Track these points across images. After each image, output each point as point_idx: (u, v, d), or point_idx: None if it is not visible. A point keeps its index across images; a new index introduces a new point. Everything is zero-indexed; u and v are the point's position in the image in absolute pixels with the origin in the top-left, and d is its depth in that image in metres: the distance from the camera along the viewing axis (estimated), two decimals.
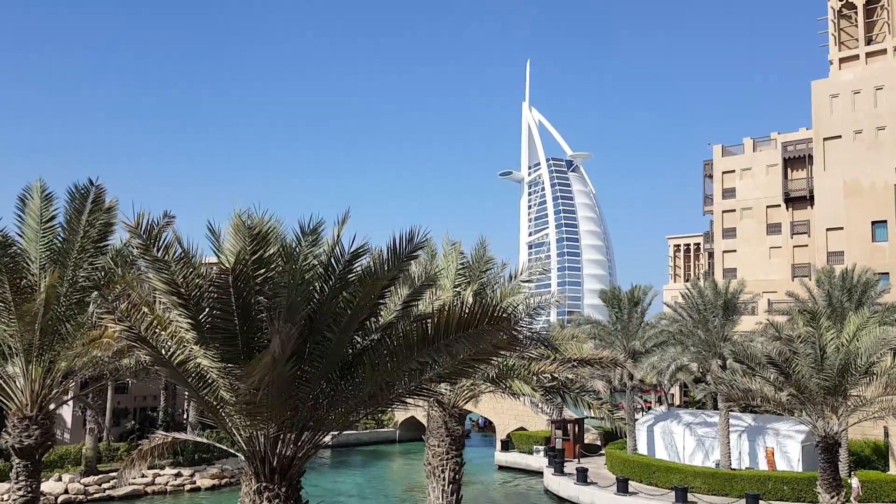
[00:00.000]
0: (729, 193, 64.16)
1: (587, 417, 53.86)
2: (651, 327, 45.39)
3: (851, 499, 31.97)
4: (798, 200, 60.27)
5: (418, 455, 56.43)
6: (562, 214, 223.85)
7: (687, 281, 69.21)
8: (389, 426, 63.08)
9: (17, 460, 12.73)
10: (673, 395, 64.33)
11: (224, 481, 43.34)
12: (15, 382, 12.63)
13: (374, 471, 52.08)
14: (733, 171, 64.24)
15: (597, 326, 47.29)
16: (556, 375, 14.47)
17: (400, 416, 60.69)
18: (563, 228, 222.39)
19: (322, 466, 49.85)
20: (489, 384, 15.02)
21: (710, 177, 66.17)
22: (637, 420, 46.86)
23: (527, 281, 16.28)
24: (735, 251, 63.23)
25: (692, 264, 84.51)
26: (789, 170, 61.10)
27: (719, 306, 40.15)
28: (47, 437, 12.85)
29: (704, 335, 40.15)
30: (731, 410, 39.40)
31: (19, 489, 12.68)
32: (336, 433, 10.29)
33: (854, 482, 32.51)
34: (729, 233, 63.87)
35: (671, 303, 50.05)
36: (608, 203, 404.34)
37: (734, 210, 63.64)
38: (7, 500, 12.80)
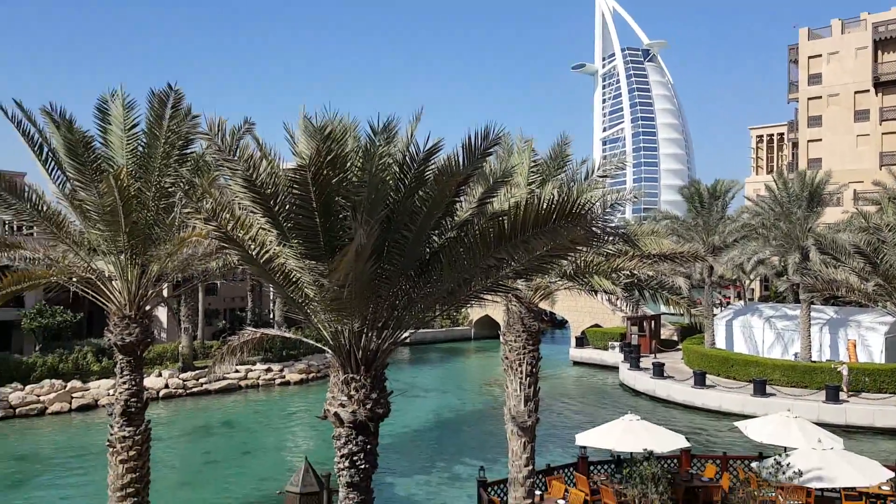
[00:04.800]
0: (815, 79, 60.42)
1: (664, 314, 53.72)
2: (732, 221, 44.20)
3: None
4: (888, 85, 56.39)
5: (493, 352, 57.83)
6: (638, 107, 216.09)
7: (770, 173, 66.63)
8: (464, 324, 64.52)
9: (121, 356, 13.64)
10: (753, 289, 63.20)
11: (311, 376, 45.67)
12: (113, 284, 13.37)
13: (450, 367, 53.78)
14: (820, 55, 60.19)
15: (675, 222, 46.38)
16: (634, 271, 14.31)
17: (475, 314, 61.89)
18: (640, 122, 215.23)
19: (401, 363, 51.74)
20: (566, 281, 14.99)
21: (796, 62, 62.27)
22: (715, 315, 46.42)
23: (603, 176, 15.91)
24: (820, 140, 60.10)
25: (775, 156, 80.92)
26: (880, 52, 56.89)
27: (804, 198, 38.61)
28: (146, 334, 13.67)
29: (787, 228, 38.87)
30: (813, 303, 38.51)
31: (124, 383, 13.63)
32: (414, 331, 10.55)
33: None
34: (814, 121, 60.55)
35: (753, 196, 48.42)
36: (686, 94, 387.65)
37: (820, 97, 60.06)
38: (114, 394, 13.80)
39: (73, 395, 37.57)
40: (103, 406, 36.46)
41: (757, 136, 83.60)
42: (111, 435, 13.47)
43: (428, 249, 9.42)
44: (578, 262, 13.87)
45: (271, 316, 52.63)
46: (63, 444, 32.68)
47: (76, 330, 42.78)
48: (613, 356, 49.59)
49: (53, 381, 37.47)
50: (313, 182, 7.80)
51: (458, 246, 8.95)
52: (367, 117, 8.55)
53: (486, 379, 48.29)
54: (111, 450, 13.43)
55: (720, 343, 44.29)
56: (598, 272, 14.38)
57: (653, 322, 50.18)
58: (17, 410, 35.80)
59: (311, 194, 7.94)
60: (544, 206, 7.98)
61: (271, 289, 49.27)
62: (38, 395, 36.70)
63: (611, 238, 12.53)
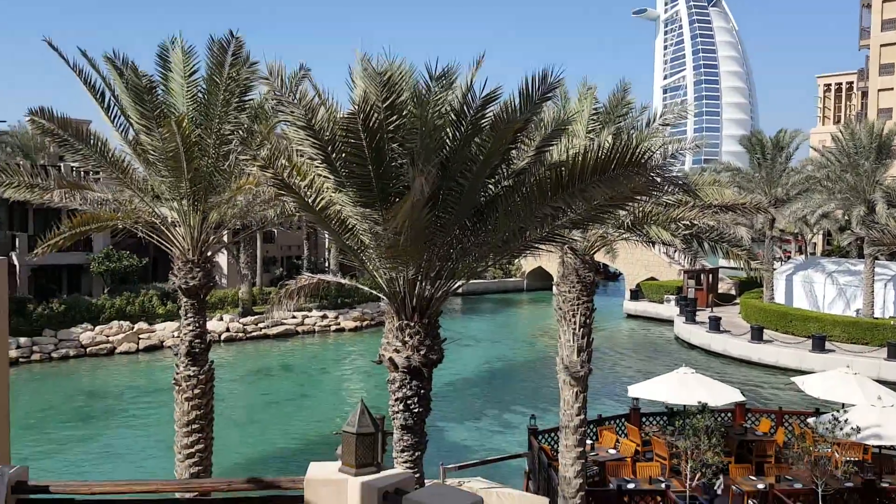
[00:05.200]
0: (889, 25, 57.27)
1: (722, 267, 52.72)
2: (795, 173, 42.78)
3: None
4: None
5: (545, 303, 57.81)
6: (700, 54, 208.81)
7: (837, 123, 63.95)
8: (517, 276, 64.50)
9: (185, 299, 14.09)
10: (815, 244, 61.37)
11: (365, 323, 46.52)
12: (176, 230, 13.76)
13: (502, 317, 54.05)
14: None
15: (736, 174, 45.16)
16: (694, 222, 14.01)
17: (528, 265, 61.72)
18: (702, 70, 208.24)
19: (453, 313, 52.19)
20: (623, 232, 14.79)
21: (868, 6, 59.04)
22: (775, 269, 45.36)
23: (664, 125, 15.51)
24: (892, 89, 57.28)
25: (843, 105, 77.47)
26: None
27: (871, 149, 37.03)
28: (208, 279, 14.07)
29: (853, 180, 37.44)
30: (877, 258, 37.24)
31: (188, 325, 14.11)
32: (467, 281, 10.60)
33: None
34: (886, 69, 57.62)
35: (818, 147, 46.67)
36: (751, 41, 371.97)
37: (893, 43, 56.95)
38: (179, 335, 14.31)
39: (140, 336, 39.16)
40: (168, 347, 37.95)
41: (824, 85, 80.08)
42: (177, 374, 14.02)
43: (483, 198, 9.37)
44: (636, 212, 13.63)
45: (326, 264, 53.52)
46: (131, 382, 34.23)
47: (142, 274, 44.38)
48: (669, 309, 49.07)
49: (121, 322, 39.07)
50: (368, 128, 7.79)
51: (515, 194, 8.88)
52: (423, 62, 8.44)
53: (537, 330, 48.44)
54: (177, 388, 13.98)
55: (779, 298, 43.37)
56: (657, 223, 14.13)
57: (710, 275, 49.34)
58: (88, 350, 37.54)
59: (367, 140, 7.95)
60: (604, 154, 7.84)
61: (327, 237, 50.00)
62: (108, 336, 38.35)
63: (671, 188, 12.29)
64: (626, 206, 11.03)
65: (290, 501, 7.65)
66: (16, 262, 38.81)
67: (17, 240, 39.95)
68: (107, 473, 21.40)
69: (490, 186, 9.42)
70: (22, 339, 35.29)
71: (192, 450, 13.88)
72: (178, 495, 11.10)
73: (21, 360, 34.71)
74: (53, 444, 25.39)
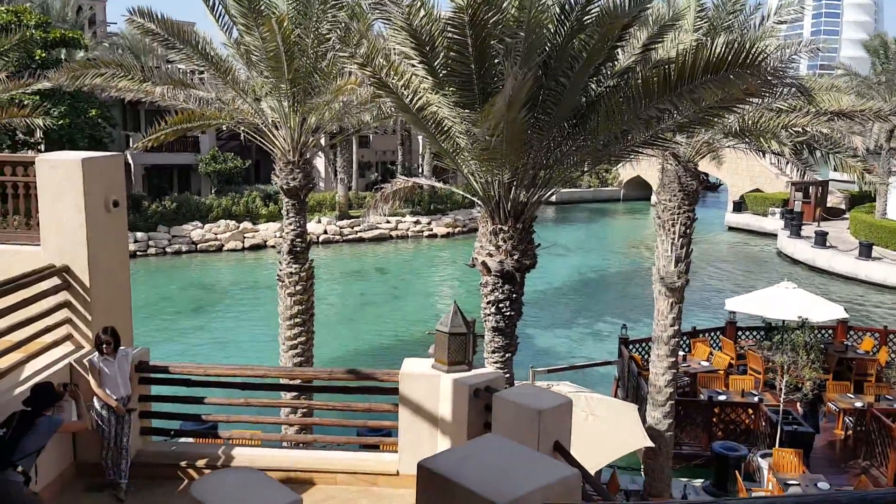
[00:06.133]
0: None
1: (832, 180, 49.80)
2: None
3: None
4: None
5: (642, 214, 56.53)
6: None
7: None
8: (614, 185, 62.92)
9: (286, 199, 14.57)
10: None
11: (457, 230, 46.95)
12: (278, 131, 14.09)
13: (596, 227, 53.32)
14: None
15: (855, 79, 41.96)
16: (807, 129, 13.18)
17: (625, 174, 60.05)
18: None
19: (546, 221, 51.81)
20: (729, 139, 14.12)
21: None
22: (890, 183, 42.52)
23: (780, 23, 14.44)
24: None
25: None
26: None
27: None
28: (308, 180, 14.46)
29: None
30: None
31: (290, 224, 14.65)
32: (562, 188, 10.43)
33: None
34: None
35: None
36: None
37: None
38: (281, 234, 14.89)
39: (245, 235, 41.01)
40: (271, 246, 39.67)
41: None
42: (280, 270, 14.67)
43: (584, 99, 9.08)
44: (745, 117, 12.94)
45: (420, 170, 53.82)
46: (238, 277, 36.17)
47: (245, 176, 46.08)
48: (773, 223, 47.06)
49: (228, 221, 40.96)
50: (470, 24, 7.59)
51: (618, 95, 8.56)
52: None
53: (632, 241, 47.64)
54: (280, 284, 14.67)
55: (892, 213, 40.80)
56: (766, 130, 13.39)
57: (819, 188, 46.76)
58: (198, 246, 39.73)
59: (467, 37, 7.76)
60: (716, 53, 7.41)
61: (421, 142, 50.07)
62: (216, 234, 40.36)
63: (786, 91, 11.55)
64: (736, 110, 10.47)
65: (385, 392, 8.04)
66: (130, 161, 40.91)
67: (130, 139, 41.97)
68: (217, 360, 22.96)
69: (592, 87, 9.10)
70: (139, 234, 37.65)
71: (295, 342, 14.67)
72: (283, 381, 11.88)
73: (139, 253, 37.13)
74: (169, 330, 27.37)
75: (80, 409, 7.00)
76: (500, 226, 9.98)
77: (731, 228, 50.77)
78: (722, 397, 18.16)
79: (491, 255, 10.13)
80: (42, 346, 7.60)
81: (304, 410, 11.19)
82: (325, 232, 43.18)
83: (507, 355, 10.73)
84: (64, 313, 7.94)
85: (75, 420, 6.96)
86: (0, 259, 8.02)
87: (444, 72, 8.48)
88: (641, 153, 10.01)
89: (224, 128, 15.55)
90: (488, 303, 10.43)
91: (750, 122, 12.67)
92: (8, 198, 8.31)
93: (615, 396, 19.08)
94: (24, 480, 6.09)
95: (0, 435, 6.06)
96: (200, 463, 7.81)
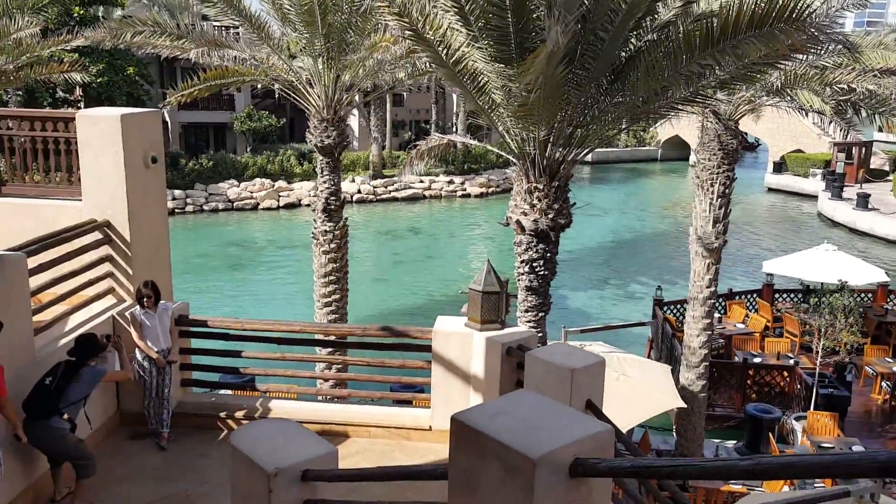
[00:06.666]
0: None
1: (876, 141, 48.39)
2: None
3: None
4: None
5: (679, 175, 55.62)
6: None
7: None
8: (651, 144, 61.83)
9: (321, 158, 14.61)
10: None
11: (490, 190, 46.72)
12: (312, 88, 14.06)
13: (632, 187, 52.63)
14: None
15: None
16: (853, 86, 12.77)
17: (663, 133, 58.95)
18: None
19: (581, 181, 51.30)
20: (771, 96, 13.75)
21: None
22: None
23: None
24: None
25: None
26: None
27: None
28: (342, 138, 14.45)
29: None
30: None
31: (324, 182, 14.70)
32: (597, 148, 10.27)
33: None
34: None
35: None
36: None
37: None
38: (316, 193, 14.96)
39: (280, 193, 41.32)
40: (306, 205, 39.95)
41: None
42: (315, 228, 14.78)
43: (624, 54, 8.88)
44: (788, 74, 12.58)
45: (454, 129, 53.45)
46: (273, 235, 36.58)
47: (280, 134, 46.24)
48: (814, 184, 46.00)
49: (263, 179, 41.27)
50: None
51: (658, 50, 8.35)
52: None
53: (669, 202, 47.00)
54: (315, 241, 14.79)
55: None
56: (810, 87, 13.01)
57: (863, 149, 45.45)
58: (235, 204, 40.18)
59: None
60: (761, 7, 7.17)
61: (455, 99, 49.64)
62: (251, 192, 40.74)
63: (830, 48, 11.15)
64: (780, 66, 10.17)
65: (419, 349, 8.13)
66: (167, 119, 41.27)
67: (167, 97, 42.33)
68: (254, 316, 23.40)
69: (632, 41, 8.89)
70: (177, 192, 38.15)
71: (330, 299, 14.84)
72: (318, 337, 12.05)
73: (177, 210, 37.67)
74: (207, 287, 27.87)
75: (122, 360, 7.21)
76: (535, 184, 9.90)
77: (770, 189, 49.77)
78: (757, 359, 18.02)
79: (525, 214, 10.07)
80: (85, 299, 7.80)
81: (339, 366, 11.37)
82: (359, 191, 43.30)
83: (540, 315, 10.73)
84: (106, 267, 8.11)
85: (118, 370, 7.17)
86: (44, 214, 8.20)
87: (480, 24, 8.32)
88: (681, 110, 9.80)
89: (259, 86, 15.59)
90: (522, 262, 10.40)
91: (793, 78, 12.31)
92: (50, 154, 8.45)
93: (648, 358, 19.03)
94: (71, 427, 6.32)
95: (46, 384, 6.27)
96: (239, 414, 8.01)
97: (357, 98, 17.61)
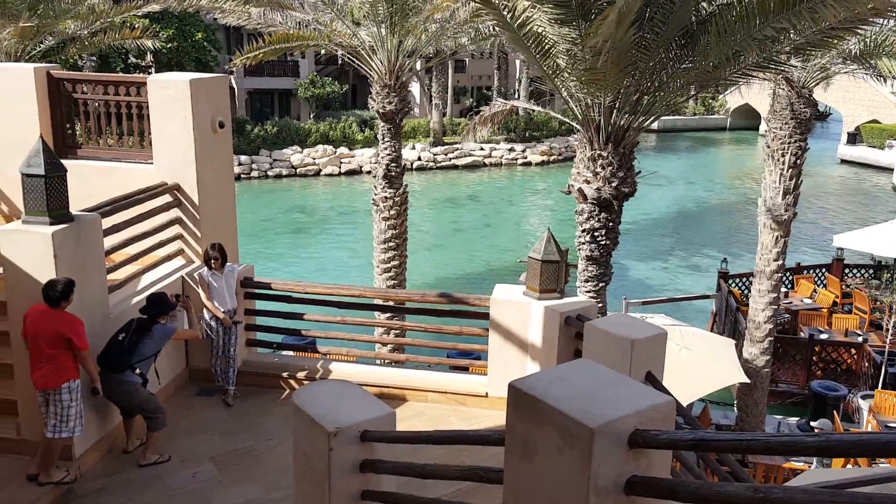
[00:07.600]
0: None
1: None
2: None
3: None
4: None
5: (748, 144, 53.90)
6: None
7: None
8: (720, 113, 60.03)
9: (382, 124, 14.66)
10: None
11: (552, 158, 46.18)
12: (375, 54, 14.07)
13: (700, 157, 51.28)
14: None
15: None
16: None
17: (733, 101, 57.08)
18: None
19: (646, 150, 50.19)
20: (848, 64, 13.14)
21: None
22: None
23: None
24: None
25: None
26: None
27: None
28: (403, 104, 14.46)
29: None
30: None
31: (385, 148, 14.76)
32: (664, 115, 9.99)
33: None
34: None
35: None
36: None
37: None
38: (376, 160, 15.03)
39: (342, 160, 41.74)
40: (367, 172, 40.26)
41: None
42: (375, 195, 14.89)
43: (694, 17, 8.58)
44: (867, 39, 11.99)
45: (517, 95, 52.81)
46: (335, 201, 37.05)
47: (342, 101, 46.54)
48: (890, 156, 43.99)
49: (325, 146, 41.71)
50: None
51: (730, 13, 8.03)
52: None
53: (737, 172, 45.66)
54: (375, 208, 14.92)
55: None
56: (890, 54, 12.37)
57: None
58: (298, 170, 40.79)
59: None
60: None
61: (518, 65, 48.97)
62: (314, 158, 41.26)
63: None
64: (859, 31, 9.68)
65: (476, 316, 8.15)
66: (234, 85, 41.95)
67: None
68: (315, 280, 23.84)
69: (703, 4, 8.58)
70: (242, 158, 38.92)
71: (389, 265, 14.99)
72: (377, 301, 12.21)
73: (242, 176, 38.48)
74: (271, 250, 28.51)
75: (191, 318, 7.45)
76: (598, 151, 9.72)
77: (843, 161, 47.84)
78: (824, 336, 17.51)
79: (588, 182, 9.91)
80: (156, 260, 8.07)
81: (397, 331, 11.50)
82: (419, 158, 43.35)
83: (600, 285, 10.60)
84: (175, 229, 8.36)
85: (187, 329, 7.42)
86: (117, 176, 8.47)
87: None
88: (753, 77, 9.44)
89: (322, 52, 15.65)
90: (583, 231, 10.26)
91: (872, 45, 11.71)
92: (123, 118, 8.70)
93: (711, 331, 18.68)
94: (142, 381, 6.59)
95: (120, 339, 6.54)
96: (300, 374, 8.22)
97: (419, 64, 17.55)
